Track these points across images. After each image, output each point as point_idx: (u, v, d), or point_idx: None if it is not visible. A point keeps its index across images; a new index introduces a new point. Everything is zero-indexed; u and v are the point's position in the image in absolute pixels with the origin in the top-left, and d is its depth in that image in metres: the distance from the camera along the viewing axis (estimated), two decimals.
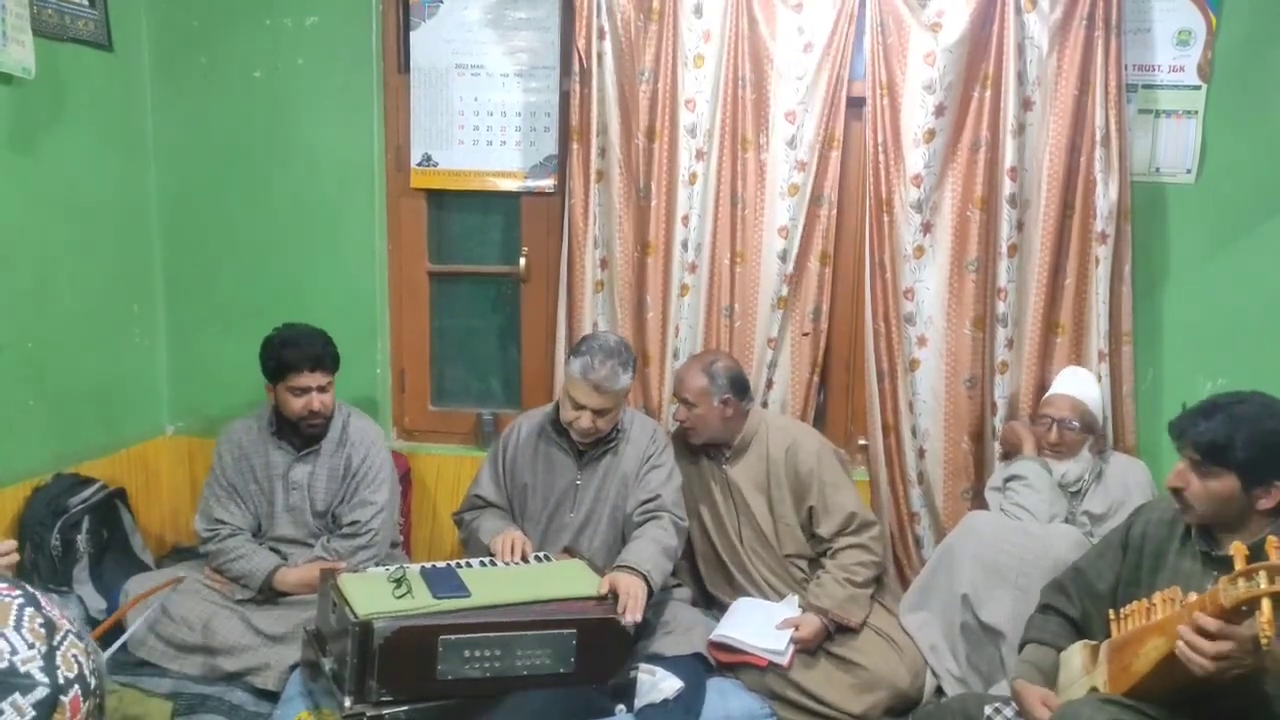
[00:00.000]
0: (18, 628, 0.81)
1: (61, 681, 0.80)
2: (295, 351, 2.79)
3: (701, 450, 2.98)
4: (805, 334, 3.19)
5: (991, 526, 2.72)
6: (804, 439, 2.93)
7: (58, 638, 0.82)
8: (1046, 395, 2.96)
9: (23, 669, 0.78)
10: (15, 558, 1.90)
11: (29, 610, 0.82)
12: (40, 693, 0.78)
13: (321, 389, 2.83)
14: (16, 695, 0.77)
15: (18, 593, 0.84)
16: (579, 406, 2.71)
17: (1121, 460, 2.92)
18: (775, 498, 2.90)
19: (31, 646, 0.80)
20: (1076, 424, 2.83)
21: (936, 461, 3.17)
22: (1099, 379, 3.00)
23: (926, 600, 2.78)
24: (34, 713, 0.77)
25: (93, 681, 0.84)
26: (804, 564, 2.91)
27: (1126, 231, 3.00)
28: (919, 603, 2.80)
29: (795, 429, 3.00)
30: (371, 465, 2.90)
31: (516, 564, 2.63)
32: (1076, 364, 3.05)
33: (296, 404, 2.81)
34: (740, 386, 2.92)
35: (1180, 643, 1.77)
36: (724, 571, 2.96)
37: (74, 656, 0.83)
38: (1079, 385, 2.92)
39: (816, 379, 3.23)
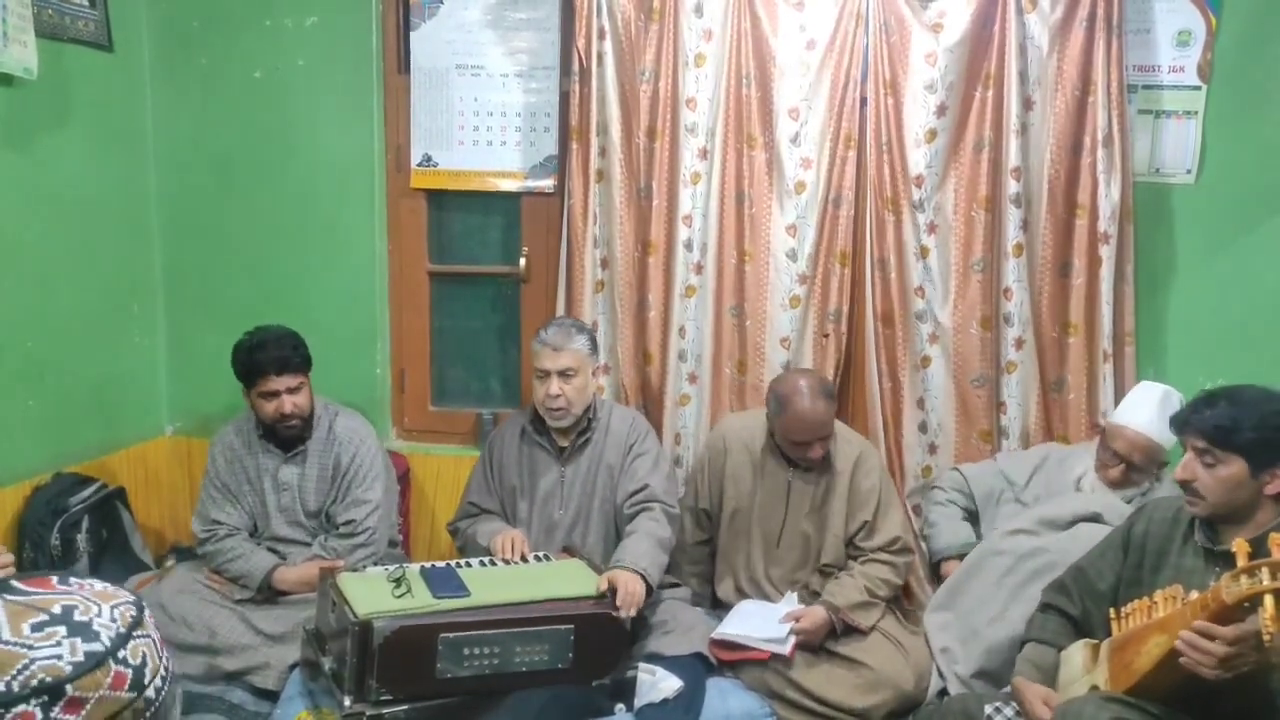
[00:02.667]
0: (114, 608, 0.92)
1: (121, 656, 0.90)
2: (261, 355, 2.78)
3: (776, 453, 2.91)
4: (826, 335, 3.18)
5: (1027, 538, 2.64)
6: (869, 455, 2.91)
7: (139, 632, 0.93)
8: (1121, 423, 2.68)
9: (95, 627, 0.89)
10: (12, 570, 1.89)
11: (130, 610, 0.94)
12: (96, 646, 0.88)
13: (292, 390, 2.80)
14: (79, 639, 0.88)
15: (133, 598, 0.96)
16: (545, 375, 2.78)
17: (1168, 484, 2.71)
18: (833, 508, 2.84)
19: (114, 621, 0.91)
20: (1142, 465, 2.65)
21: (948, 459, 3.16)
22: (1102, 379, 3.00)
23: (954, 601, 2.72)
24: (82, 658, 0.87)
25: (150, 690, 0.92)
26: (836, 573, 2.85)
27: (1129, 232, 3.01)
28: (946, 602, 2.74)
29: (859, 442, 2.96)
30: (361, 463, 2.89)
31: (516, 563, 2.63)
32: (1088, 363, 3.03)
33: (268, 408, 2.81)
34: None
35: (1181, 643, 1.77)
36: (732, 574, 2.93)
37: (143, 653, 0.92)
38: (1160, 421, 2.56)
39: (838, 380, 3.20)
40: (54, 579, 0.95)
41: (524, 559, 2.66)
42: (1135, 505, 2.64)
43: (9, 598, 0.90)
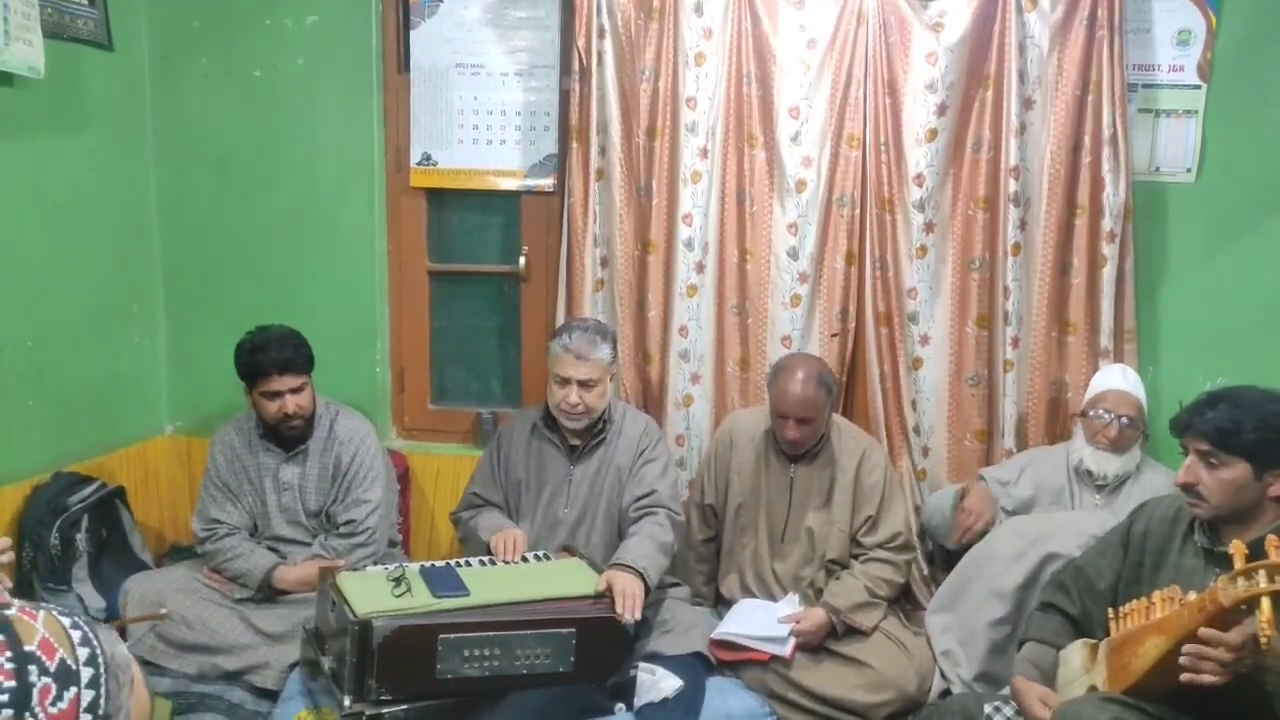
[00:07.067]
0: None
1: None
2: (264, 356, 2.77)
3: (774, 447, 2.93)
4: (834, 334, 3.17)
5: (1035, 527, 2.63)
6: (874, 451, 2.91)
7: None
8: (1099, 390, 2.84)
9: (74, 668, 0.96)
10: (10, 555, 1.90)
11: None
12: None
13: (295, 391, 2.80)
14: (74, 688, 0.95)
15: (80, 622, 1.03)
16: (565, 382, 2.75)
17: (1153, 468, 2.81)
18: (837, 502, 2.85)
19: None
20: (1134, 421, 2.75)
21: (940, 460, 3.16)
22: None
23: (956, 602, 2.71)
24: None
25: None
26: (839, 571, 2.86)
27: (1129, 230, 3.00)
28: (947, 603, 2.74)
29: (865, 438, 2.96)
30: (362, 463, 2.89)
31: (516, 562, 2.63)
32: (1089, 363, 3.03)
33: (271, 407, 2.81)
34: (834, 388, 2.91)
35: (1186, 658, 1.76)
36: (738, 570, 2.93)
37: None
38: (1131, 383, 2.84)
39: (844, 379, 3.19)
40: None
41: (524, 559, 2.66)
42: (1128, 486, 2.70)
43: None
